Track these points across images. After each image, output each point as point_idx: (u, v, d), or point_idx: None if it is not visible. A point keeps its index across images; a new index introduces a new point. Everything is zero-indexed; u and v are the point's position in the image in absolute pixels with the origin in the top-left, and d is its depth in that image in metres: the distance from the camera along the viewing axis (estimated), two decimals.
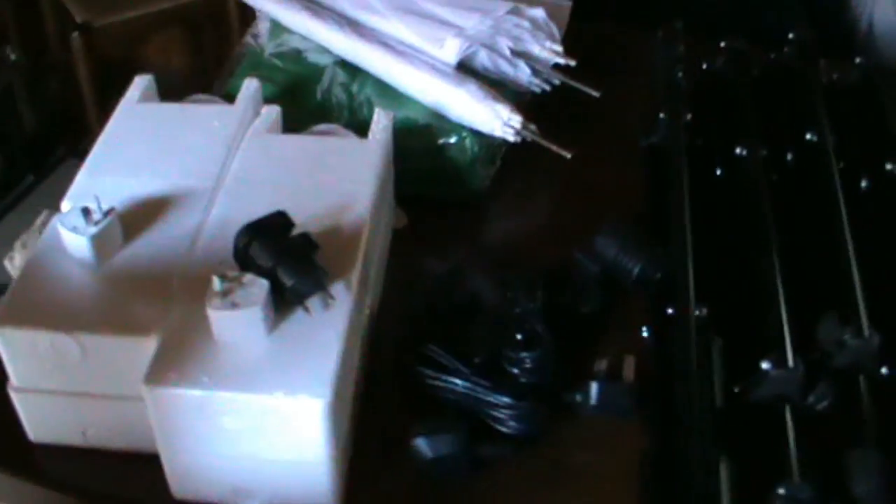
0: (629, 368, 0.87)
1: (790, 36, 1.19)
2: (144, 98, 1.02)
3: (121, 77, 1.06)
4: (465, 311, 0.90)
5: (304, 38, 1.12)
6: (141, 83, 1.02)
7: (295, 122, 1.01)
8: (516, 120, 1.00)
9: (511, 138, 1.01)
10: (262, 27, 1.17)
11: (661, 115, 1.09)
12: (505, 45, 1.07)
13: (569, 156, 0.99)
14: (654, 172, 1.06)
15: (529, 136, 1.01)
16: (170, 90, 1.05)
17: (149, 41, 1.83)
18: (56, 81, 1.81)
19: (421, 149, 1.04)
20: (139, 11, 1.79)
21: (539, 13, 1.12)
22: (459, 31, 1.07)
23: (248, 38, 1.15)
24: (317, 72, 1.10)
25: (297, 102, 1.07)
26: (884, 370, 0.87)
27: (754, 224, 0.97)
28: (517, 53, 1.08)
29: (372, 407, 0.88)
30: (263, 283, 0.78)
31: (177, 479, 0.81)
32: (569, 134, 1.04)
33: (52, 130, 1.32)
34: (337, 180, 0.91)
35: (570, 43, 1.12)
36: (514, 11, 1.11)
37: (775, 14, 1.46)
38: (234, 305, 0.77)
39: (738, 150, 1.04)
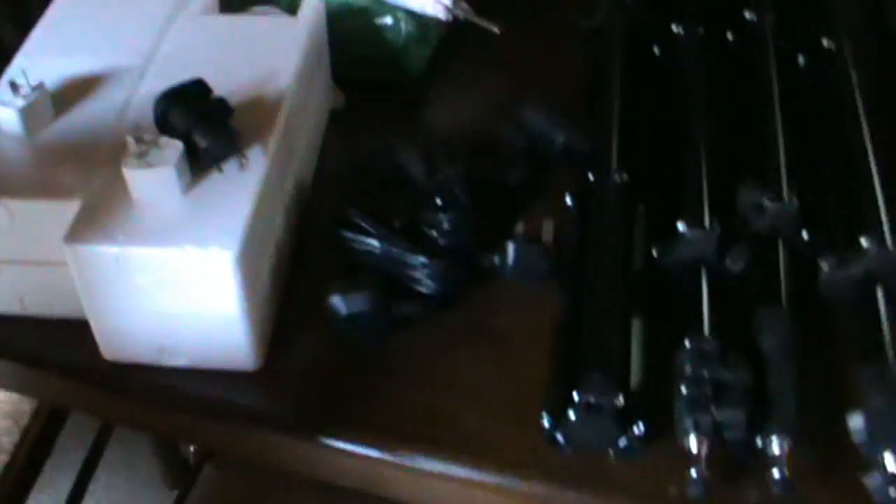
0: (548, 232, 0.88)
1: None
2: None
3: None
4: (392, 182, 0.91)
5: None
6: None
7: (239, 8, 1.03)
8: None
9: (442, 16, 1.02)
10: None
11: None
12: None
13: (497, 31, 1.00)
14: (594, 54, 1.07)
15: (461, 14, 1.02)
16: None
17: None
18: None
19: (357, 31, 1.05)
20: None
21: None
22: None
23: None
24: None
25: None
26: (805, 234, 0.88)
27: (685, 98, 0.98)
28: None
29: (302, 274, 0.90)
30: (178, 145, 0.80)
31: (105, 341, 0.84)
32: (512, 17, 1.05)
33: None
34: (263, 57, 0.93)
35: None
36: None
37: None
38: (149, 165, 0.79)
39: (674, 28, 1.04)
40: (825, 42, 1.03)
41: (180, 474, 1.21)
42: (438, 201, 0.85)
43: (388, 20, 1.04)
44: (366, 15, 1.04)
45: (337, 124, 1.04)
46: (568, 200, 0.91)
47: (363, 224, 0.85)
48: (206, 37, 0.96)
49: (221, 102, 0.83)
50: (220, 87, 0.85)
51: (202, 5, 0.99)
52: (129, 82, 0.92)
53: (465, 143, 0.94)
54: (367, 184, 0.93)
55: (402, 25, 1.04)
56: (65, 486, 1.38)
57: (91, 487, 1.40)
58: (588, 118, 0.96)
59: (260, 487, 1.15)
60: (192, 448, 1.21)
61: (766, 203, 0.87)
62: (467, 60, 1.10)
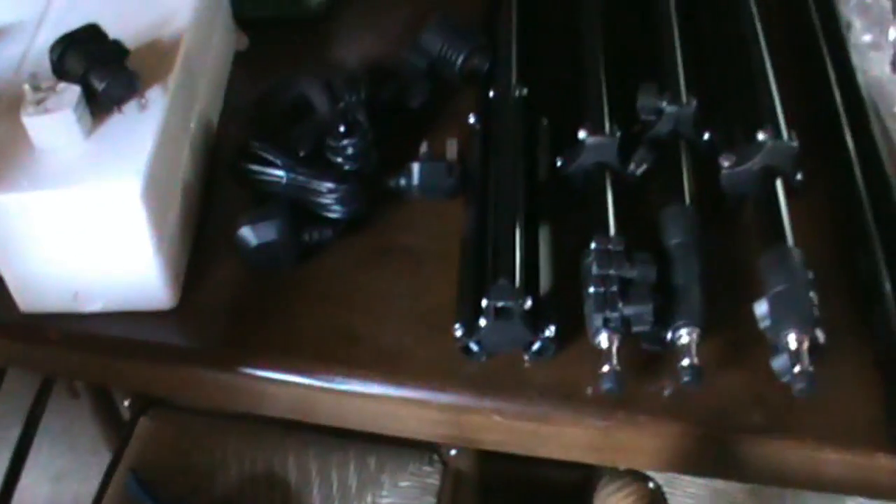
0: (452, 150, 0.89)
1: None
2: None
3: None
4: (295, 113, 0.92)
5: None
6: None
7: None
8: None
9: None
10: None
11: None
12: None
13: None
14: None
15: None
16: None
17: None
18: None
19: None
20: None
21: None
22: None
23: None
24: None
25: None
26: (706, 136, 0.90)
27: (581, 9, 0.99)
28: None
29: (214, 211, 0.91)
30: (75, 89, 0.80)
31: (19, 293, 0.84)
32: None
33: None
34: (160, 1, 0.93)
35: None
36: None
37: None
38: (47, 111, 0.79)
39: None
40: None
41: (120, 434, 1.22)
42: (342, 128, 0.86)
43: None
44: None
45: (243, 64, 1.04)
46: (471, 118, 0.92)
47: (267, 155, 0.86)
48: None
49: (117, 45, 0.83)
50: (117, 31, 0.85)
51: None
52: (26, 35, 0.91)
53: (366, 70, 0.95)
54: (271, 117, 0.94)
55: None
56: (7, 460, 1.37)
57: (35, 458, 1.40)
58: (487, 38, 0.97)
59: (195, 435, 1.16)
60: (126, 403, 1.22)
61: (665, 106, 0.89)
62: None
